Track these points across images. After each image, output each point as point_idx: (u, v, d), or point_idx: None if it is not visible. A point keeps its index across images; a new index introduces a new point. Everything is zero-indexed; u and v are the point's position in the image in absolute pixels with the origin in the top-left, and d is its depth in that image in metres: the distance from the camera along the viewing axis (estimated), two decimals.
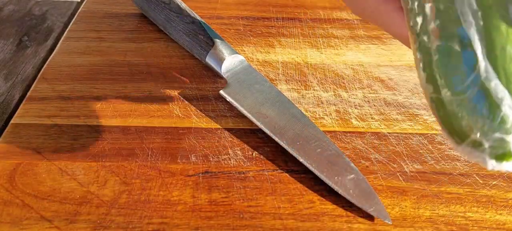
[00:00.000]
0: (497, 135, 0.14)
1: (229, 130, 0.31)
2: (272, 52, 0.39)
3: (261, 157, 0.29)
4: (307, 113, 0.32)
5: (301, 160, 0.28)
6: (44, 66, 0.36)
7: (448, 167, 0.29)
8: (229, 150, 0.29)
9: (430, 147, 0.30)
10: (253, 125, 0.31)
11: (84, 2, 0.45)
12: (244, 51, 0.39)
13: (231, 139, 0.30)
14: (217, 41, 0.35)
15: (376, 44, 0.40)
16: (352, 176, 0.27)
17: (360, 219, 0.25)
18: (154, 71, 0.36)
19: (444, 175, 0.28)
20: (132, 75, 0.35)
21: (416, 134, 0.31)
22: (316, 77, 0.36)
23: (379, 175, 0.28)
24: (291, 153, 0.28)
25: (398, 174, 0.28)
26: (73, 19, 0.42)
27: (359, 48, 0.39)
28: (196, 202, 0.26)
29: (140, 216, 0.25)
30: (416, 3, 0.17)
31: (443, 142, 0.30)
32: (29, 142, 0.29)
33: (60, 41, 0.39)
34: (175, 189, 0.27)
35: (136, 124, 0.31)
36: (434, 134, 0.31)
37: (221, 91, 0.32)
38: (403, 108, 0.33)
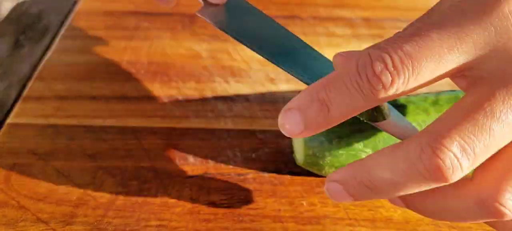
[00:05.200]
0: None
1: (228, 130, 0.30)
2: None
3: (261, 158, 0.29)
4: None
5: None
6: (41, 65, 0.36)
7: None
8: (228, 151, 0.29)
9: None
10: (253, 125, 0.31)
11: (81, 0, 0.44)
12: (244, 49, 0.38)
13: (231, 140, 0.30)
14: None
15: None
16: None
17: (362, 222, 0.25)
18: (152, 70, 0.36)
19: None
20: (130, 75, 0.35)
21: None
22: None
23: None
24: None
25: None
26: (70, 18, 0.42)
27: (361, 47, 0.39)
28: (195, 204, 0.26)
29: (138, 218, 0.25)
30: None
31: None
32: (25, 142, 0.29)
33: (57, 39, 0.39)
34: (173, 190, 0.26)
35: (133, 124, 0.31)
36: None
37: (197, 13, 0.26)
38: None
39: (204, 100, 0.33)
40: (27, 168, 0.27)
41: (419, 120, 0.24)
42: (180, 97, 0.33)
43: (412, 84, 0.17)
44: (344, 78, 0.18)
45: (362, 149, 0.24)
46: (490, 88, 0.17)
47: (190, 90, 0.34)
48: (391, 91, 0.17)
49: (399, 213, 0.26)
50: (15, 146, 0.29)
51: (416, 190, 0.17)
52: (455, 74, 0.18)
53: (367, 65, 0.17)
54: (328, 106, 0.18)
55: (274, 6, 0.45)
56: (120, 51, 0.38)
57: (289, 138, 0.30)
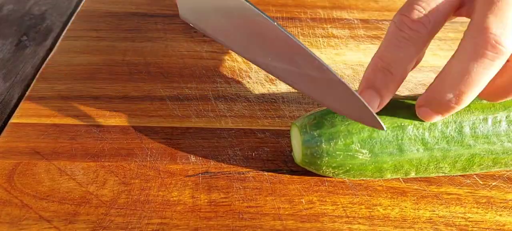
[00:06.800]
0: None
1: (228, 130, 0.31)
2: None
3: (261, 157, 0.29)
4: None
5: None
6: (43, 66, 0.36)
7: None
8: (229, 150, 0.29)
9: None
10: (253, 125, 0.31)
11: (83, 1, 0.45)
12: None
13: (231, 139, 0.30)
14: None
15: (376, 44, 0.40)
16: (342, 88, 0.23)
17: (360, 220, 0.25)
18: (154, 71, 0.36)
19: (444, 176, 0.28)
20: (131, 75, 0.35)
21: None
22: None
23: None
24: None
25: None
26: (72, 18, 0.42)
27: (359, 48, 0.39)
28: (196, 202, 0.26)
29: (139, 217, 0.25)
30: None
31: None
32: (28, 142, 0.29)
33: (59, 40, 0.39)
34: (175, 189, 0.27)
35: (135, 123, 0.31)
36: None
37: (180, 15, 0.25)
38: None
39: (205, 100, 0.33)
40: (30, 167, 0.28)
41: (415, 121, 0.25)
42: (181, 97, 0.33)
43: (440, 14, 0.22)
44: (390, 40, 0.22)
45: (359, 150, 0.24)
46: None
47: (191, 90, 0.34)
48: (429, 26, 0.22)
49: (396, 211, 0.26)
50: (18, 145, 0.29)
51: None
52: (460, 2, 0.22)
53: (404, 19, 0.22)
54: (389, 69, 0.23)
55: (273, 7, 0.45)
56: (122, 51, 0.38)
57: (288, 137, 0.30)
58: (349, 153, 0.24)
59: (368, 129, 0.24)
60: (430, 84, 0.23)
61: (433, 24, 0.22)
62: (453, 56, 0.21)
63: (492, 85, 0.22)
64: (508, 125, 0.25)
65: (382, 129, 0.23)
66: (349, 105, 0.23)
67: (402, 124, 0.25)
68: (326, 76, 0.23)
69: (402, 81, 0.23)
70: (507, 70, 0.22)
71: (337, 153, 0.24)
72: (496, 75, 0.21)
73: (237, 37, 0.24)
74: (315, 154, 0.25)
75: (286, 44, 0.23)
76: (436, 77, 0.23)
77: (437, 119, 0.24)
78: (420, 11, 0.22)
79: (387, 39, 0.23)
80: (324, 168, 0.25)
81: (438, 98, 0.22)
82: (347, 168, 0.25)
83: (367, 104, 0.22)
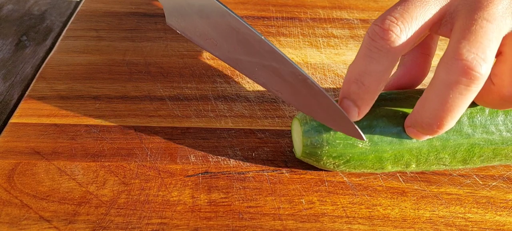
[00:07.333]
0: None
1: (228, 130, 0.31)
2: None
3: (261, 157, 0.29)
4: None
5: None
6: (43, 66, 0.36)
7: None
8: (229, 150, 0.29)
9: None
10: (253, 125, 0.31)
11: (83, 1, 0.45)
12: None
13: (231, 139, 0.30)
14: None
15: None
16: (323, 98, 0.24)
17: (360, 220, 0.25)
18: (153, 70, 0.36)
19: (443, 176, 0.28)
20: (131, 75, 0.35)
21: None
22: (316, 77, 0.36)
23: (378, 175, 0.28)
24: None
25: (397, 174, 0.28)
26: (72, 18, 0.42)
27: (358, 47, 0.39)
28: (196, 202, 0.26)
29: (139, 217, 0.25)
30: None
31: None
32: (28, 142, 0.29)
33: (59, 40, 0.39)
34: (175, 189, 0.27)
35: (135, 123, 0.31)
36: None
37: (168, 22, 0.25)
38: None
39: (205, 100, 0.33)
40: (30, 167, 0.28)
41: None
42: (181, 97, 0.33)
43: (414, 27, 0.21)
44: (363, 51, 0.22)
45: None
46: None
47: (191, 90, 0.34)
48: (402, 38, 0.21)
49: (396, 211, 0.26)
50: (18, 145, 0.29)
51: None
52: (438, 21, 0.22)
53: (376, 29, 0.22)
54: (361, 80, 0.22)
55: (273, 7, 0.45)
56: (122, 51, 0.38)
57: (288, 137, 0.30)
58: (349, 142, 0.25)
59: (367, 117, 0.24)
60: (414, 107, 0.23)
61: (406, 35, 0.21)
62: (431, 82, 0.21)
63: (481, 102, 0.22)
64: (506, 115, 0.25)
65: (362, 139, 0.24)
66: (330, 115, 0.24)
67: (402, 113, 0.25)
68: (307, 87, 0.24)
69: (378, 91, 0.23)
70: (491, 91, 0.22)
71: (337, 141, 0.25)
72: (482, 95, 0.21)
73: (223, 46, 0.24)
74: (315, 144, 0.25)
75: (271, 55, 0.24)
76: (418, 101, 0.23)
77: (427, 137, 0.24)
78: (391, 21, 0.21)
79: (360, 50, 0.23)
80: (324, 158, 0.25)
81: (420, 122, 0.22)
82: (348, 157, 0.25)
83: (345, 113, 0.23)
